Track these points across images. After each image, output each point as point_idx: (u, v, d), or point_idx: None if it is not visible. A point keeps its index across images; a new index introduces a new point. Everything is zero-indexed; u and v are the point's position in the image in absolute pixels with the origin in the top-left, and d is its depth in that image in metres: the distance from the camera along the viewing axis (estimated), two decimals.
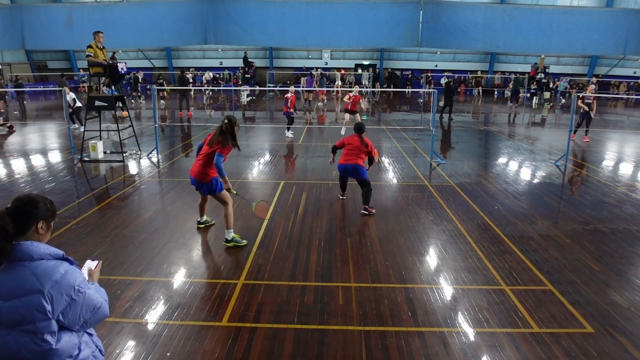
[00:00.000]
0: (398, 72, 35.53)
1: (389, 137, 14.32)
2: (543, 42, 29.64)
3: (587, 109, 13.52)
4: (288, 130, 14.29)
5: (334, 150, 7.44)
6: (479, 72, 34.96)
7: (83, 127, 14.61)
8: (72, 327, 2.02)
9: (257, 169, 10.10)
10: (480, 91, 34.37)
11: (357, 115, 14.54)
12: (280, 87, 31.63)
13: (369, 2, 30.04)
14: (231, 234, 5.69)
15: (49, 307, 1.91)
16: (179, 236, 6.04)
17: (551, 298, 4.56)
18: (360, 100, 14.88)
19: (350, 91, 15.23)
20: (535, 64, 29.28)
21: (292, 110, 14.03)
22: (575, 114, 11.20)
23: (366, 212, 6.97)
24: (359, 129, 7.35)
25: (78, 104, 15.56)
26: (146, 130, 15.34)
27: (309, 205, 7.42)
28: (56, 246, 2.07)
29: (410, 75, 35.26)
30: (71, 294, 1.97)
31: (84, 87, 30.66)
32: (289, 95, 13.93)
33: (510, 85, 32.99)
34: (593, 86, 14.70)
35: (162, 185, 8.63)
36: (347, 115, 14.74)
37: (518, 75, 30.02)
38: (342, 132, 14.33)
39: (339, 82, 31.35)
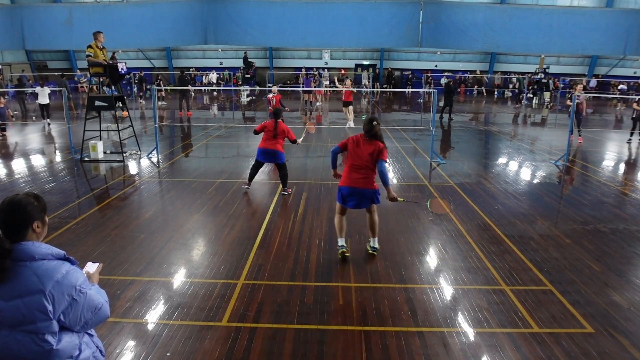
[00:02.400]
0: (397, 72, 35.51)
1: (389, 137, 14.33)
2: (543, 42, 29.64)
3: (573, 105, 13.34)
4: None
5: (256, 133, 8.01)
6: (478, 72, 34.91)
7: (48, 124, 16.32)
8: (73, 328, 2.02)
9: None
10: (481, 91, 34.26)
11: (351, 107, 15.83)
12: (280, 87, 31.62)
13: (369, 2, 30.03)
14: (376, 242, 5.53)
15: (50, 307, 1.91)
16: (179, 236, 6.04)
17: (551, 298, 4.56)
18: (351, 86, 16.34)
19: (343, 85, 17.02)
20: (536, 72, 29.30)
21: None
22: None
23: (285, 193, 7.91)
24: (275, 114, 7.92)
25: (39, 101, 16.97)
26: (146, 130, 15.34)
27: (309, 205, 7.42)
28: (56, 246, 2.06)
29: (410, 75, 35.24)
30: (72, 294, 1.97)
31: (83, 87, 30.64)
32: (271, 95, 13.79)
33: (511, 87, 33.02)
34: (581, 86, 14.68)
35: (162, 185, 8.63)
36: (344, 109, 16.13)
37: (520, 76, 30.11)
38: (346, 127, 15.35)
39: (326, 83, 31.43)
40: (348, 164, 5.26)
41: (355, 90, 16.40)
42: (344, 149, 5.32)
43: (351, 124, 15.52)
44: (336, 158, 5.51)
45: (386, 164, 5.16)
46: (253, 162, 8.08)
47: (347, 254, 5.38)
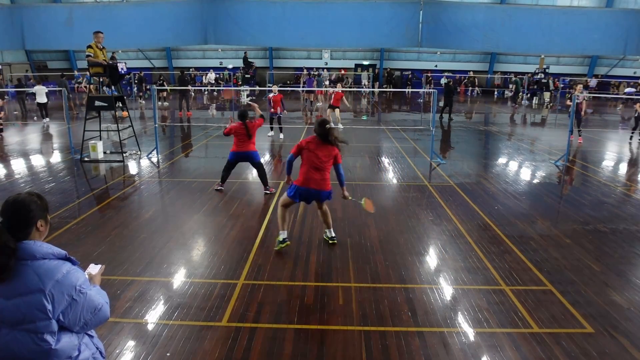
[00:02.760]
0: (397, 72, 35.48)
1: (389, 137, 14.33)
2: (543, 42, 29.65)
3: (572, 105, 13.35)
4: (272, 130, 14.24)
5: (227, 135, 7.94)
6: (471, 72, 34.94)
7: (47, 119, 16.83)
8: (73, 328, 2.02)
9: None
10: (478, 91, 34.33)
11: (337, 110, 15.67)
12: (280, 87, 31.58)
13: (369, 2, 30.04)
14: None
15: (49, 307, 1.91)
16: (179, 236, 6.03)
17: (551, 298, 4.56)
18: (343, 98, 16.08)
19: (334, 88, 16.91)
20: (536, 72, 29.31)
21: (278, 112, 13.63)
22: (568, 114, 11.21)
23: (267, 192, 7.92)
24: (241, 116, 7.76)
25: (37, 100, 17.37)
26: (146, 130, 15.35)
27: (308, 205, 7.40)
28: (56, 246, 2.06)
29: (410, 76, 35.24)
30: (72, 294, 1.97)
31: (81, 87, 30.61)
32: (271, 95, 13.71)
33: (510, 87, 33.03)
34: (581, 86, 14.73)
35: (162, 185, 8.63)
36: (329, 110, 15.99)
37: (517, 77, 30.07)
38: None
39: (326, 82, 31.48)
40: (305, 166, 5.37)
41: (342, 93, 16.08)
42: (298, 155, 5.45)
43: (339, 126, 15.62)
44: (292, 166, 5.57)
45: (341, 165, 5.51)
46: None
47: (287, 245, 5.56)
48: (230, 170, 8.09)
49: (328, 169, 5.43)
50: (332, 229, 5.84)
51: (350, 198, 5.73)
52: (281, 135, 14.00)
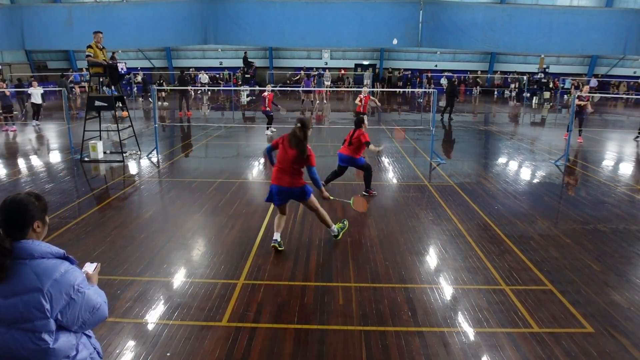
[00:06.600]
0: (397, 73, 35.45)
1: (389, 137, 14.33)
2: (543, 42, 29.67)
3: (579, 109, 13.31)
4: (267, 129, 14.54)
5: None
6: (469, 73, 34.97)
7: (37, 125, 16.30)
8: (71, 327, 2.01)
9: (257, 169, 10.10)
10: (479, 91, 34.36)
11: (365, 117, 13.10)
12: (280, 87, 31.61)
13: (369, 2, 30.05)
14: (335, 228, 5.84)
15: (47, 306, 1.90)
16: (179, 236, 6.03)
17: (551, 298, 4.56)
18: (368, 101, 13.85)
19: (359, 92, 14.08)
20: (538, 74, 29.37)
21: (269, 109, 14.05)
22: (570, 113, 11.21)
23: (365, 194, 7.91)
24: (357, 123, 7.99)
25: (32, 100, 16.80)
26: (146, 131, 15.34)
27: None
28: (56, 246, 2.06)
29: (409, 75, 35.23)
30: (70, 293, 1.96)
31: (81, 87, 30.59)
32: (265, 94, 14.01)
33: (513, 86, 32.98)
34: (588, 87, 14.74)
35: (162, 185, 8.63)
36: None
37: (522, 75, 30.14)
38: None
39: (328, 83, 31.40)
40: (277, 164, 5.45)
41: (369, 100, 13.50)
42: (276, 148, 5.48)
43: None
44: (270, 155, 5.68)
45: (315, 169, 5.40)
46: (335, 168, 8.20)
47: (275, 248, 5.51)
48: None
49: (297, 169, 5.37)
50: (333, 227, 5.80)
51: (332, 198, 5.65)
52: (268, 132, 14.43)
